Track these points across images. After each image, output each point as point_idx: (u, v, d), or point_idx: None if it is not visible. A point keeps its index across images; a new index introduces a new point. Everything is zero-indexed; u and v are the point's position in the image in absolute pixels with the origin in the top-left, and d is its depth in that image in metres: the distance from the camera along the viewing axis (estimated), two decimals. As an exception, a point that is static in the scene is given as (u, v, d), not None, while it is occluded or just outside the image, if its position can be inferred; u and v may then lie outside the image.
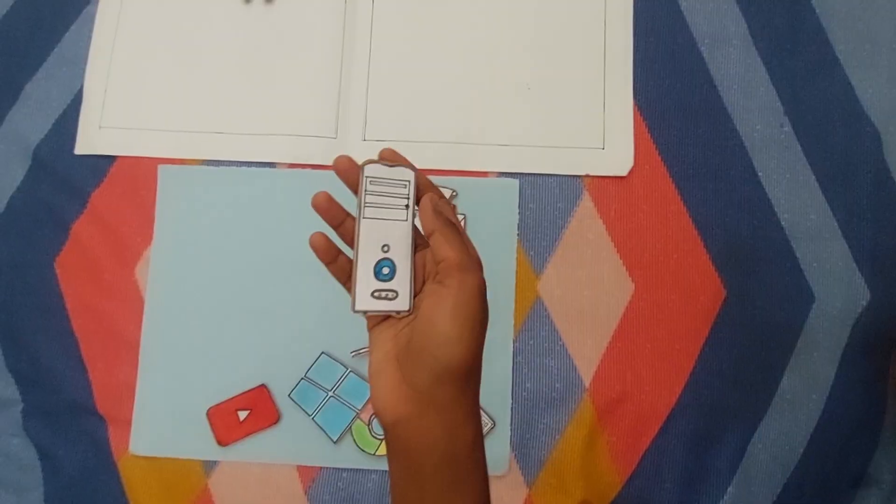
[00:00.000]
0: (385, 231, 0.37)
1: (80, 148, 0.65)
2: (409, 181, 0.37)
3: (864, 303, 0.62)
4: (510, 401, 0.60)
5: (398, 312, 0.36)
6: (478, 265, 0.35)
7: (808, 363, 0.61)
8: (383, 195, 0.37)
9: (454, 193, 0.62)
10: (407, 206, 0.37)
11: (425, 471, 0.33)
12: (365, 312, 0.37)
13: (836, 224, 0.62)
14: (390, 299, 0.36)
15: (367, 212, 0.37)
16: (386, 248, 0.37)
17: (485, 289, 0.34)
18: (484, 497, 0.35)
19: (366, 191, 0.37)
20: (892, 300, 0.62)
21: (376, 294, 0.37)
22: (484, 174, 0.63)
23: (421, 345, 0.32)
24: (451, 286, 0.32)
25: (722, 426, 0.60)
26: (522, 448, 0.60)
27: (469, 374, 0.33)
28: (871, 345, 0.62)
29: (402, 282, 0.37)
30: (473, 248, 0.36)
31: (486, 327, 0.35)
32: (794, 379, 0.61)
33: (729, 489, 0.60)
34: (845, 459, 0.61)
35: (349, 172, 0.37)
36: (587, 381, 0.60)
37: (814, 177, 0.63)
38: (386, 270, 0.37)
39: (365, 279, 0.37)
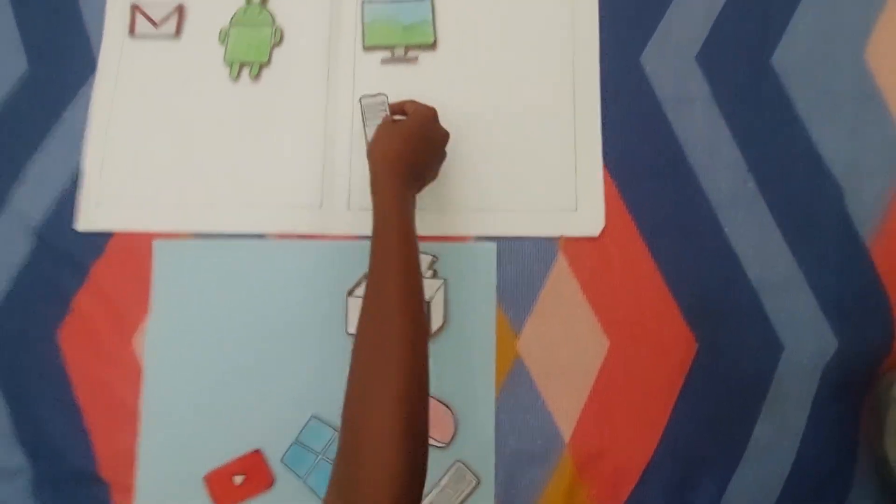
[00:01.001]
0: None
1: (81, 224, 0.68)
2: (385, 100, 0.62)
3: (832, 350, 0.64)
4: (494, 458, 0.63)
5: None
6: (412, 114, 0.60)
7: (780, 411, 0.64)
8: (373, 111, 0.62)
9: (434, 259, 0.65)
10: (385, 112, 0.62)
11: (373, 229, 0.52)
12: None
13: (801, 275, 0.65)
14: None
15: (368, 121, 0.62)
16: None
17: (416, 122, 0.59)
18: (405, 243, 0.51)
19: (364, 111, 0.62)
20: (859, 347, 0.64)
21: None
22: (463, 238, 0.66)
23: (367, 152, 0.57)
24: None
25: (699, 475, 0.63)
26: (507, 503, 0.62)
27: (385, 157, 0.55)
28: (841, 391, 0.64)
29: None
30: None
31: (417, 142, 0.57)
32: (767, 427, 0.63)
33: (708, 537, 0.62)
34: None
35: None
36: (566, 437, 0.63)
37: (779, 230, 0.65)
38: None
39: None
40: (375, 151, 0.55)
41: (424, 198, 0.66)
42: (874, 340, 0.65)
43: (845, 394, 0.64)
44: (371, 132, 0.59)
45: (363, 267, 0.51)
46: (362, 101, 0.62)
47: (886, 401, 0.62)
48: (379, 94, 0.62)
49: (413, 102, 0.61)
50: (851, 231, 0.65)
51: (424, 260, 0.59)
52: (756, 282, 0.65)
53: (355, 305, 0.58)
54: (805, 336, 0.64)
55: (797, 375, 0.64)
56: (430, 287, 0.64)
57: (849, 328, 0.64)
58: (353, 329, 0.55)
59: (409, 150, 0.56)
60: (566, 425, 0.63)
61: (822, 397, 0.64)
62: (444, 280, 0.65)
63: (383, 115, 0.61)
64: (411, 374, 0.44)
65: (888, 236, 0.65)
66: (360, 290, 0.60)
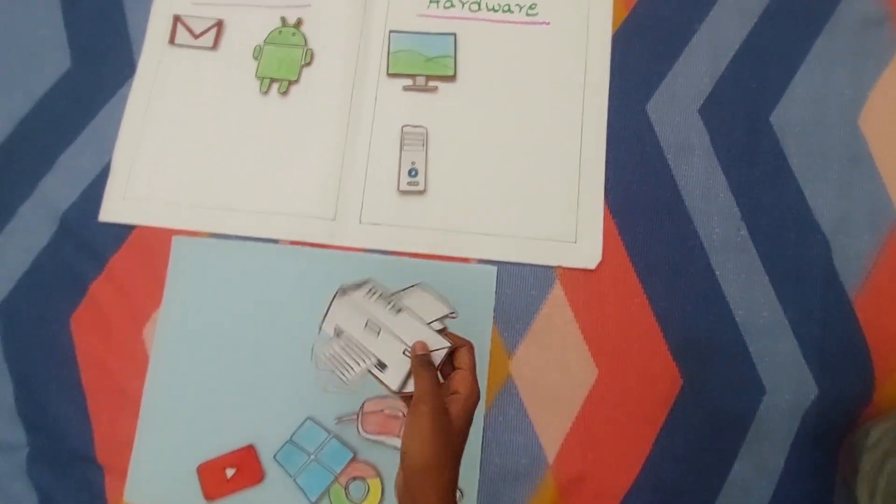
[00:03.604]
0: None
1: (104, 216, 0.72)
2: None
3: (813, 397, 0.66)
4: (478, 473, 0.65)
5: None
6: (432, 396, 0.45)
7: (759, 451, 0.66)
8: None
9: (453, 315, 0.54)
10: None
11: None
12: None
13: (787, 322, 0.68)
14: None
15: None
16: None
17: (440, 412, 0.45)
18: None
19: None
20: (839, 395, 0.67)
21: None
22: (465, 260, 0.69)
23: (401, 453, 0.45)
24: (411, 412, 0.45)
25: (675, 508, 0.65)
26: (487, 519, 0.64)
27: (426, 472, 0.43)
28: (820, 436, 0.66)
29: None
30: (435, 383, 0.46)
31: (447, 437, 0.44)
32: (746, 465, 0.65)
33: (681, 570, 0.63)
34: (793, 546, 0.65)
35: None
36: (550, 459, 0.65)
37: (767, 277, 0.69)
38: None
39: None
40: (415, 456, 0.43)
41: (433, 217, 0.70)
42: (854, 390, 0.67)
43: (824, 439, 0.66)
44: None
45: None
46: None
47: (862, 448, 0.64)
48: (441, 340, 0.49)
49: (468, 377, 0.47)
50: (837, 284, 0.69)
51: (443, 310, 0.52)
52: (742, 325, 0.68)
53: (340, 304, 0.52)
54: (787, 381, 0.67)
55: (777, 418, 0.66)
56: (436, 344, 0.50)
57: (830, 377, 0.67)
58: (326, 328, 0.52)
59: (457, 455, 0.45)
60: (551, 447, 0.65)
61: (801, 441, 0.66)
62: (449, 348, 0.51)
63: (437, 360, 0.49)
64: None
65: (872, 292, 0.68)
66: (351, 294, 0.52)
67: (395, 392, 0.48)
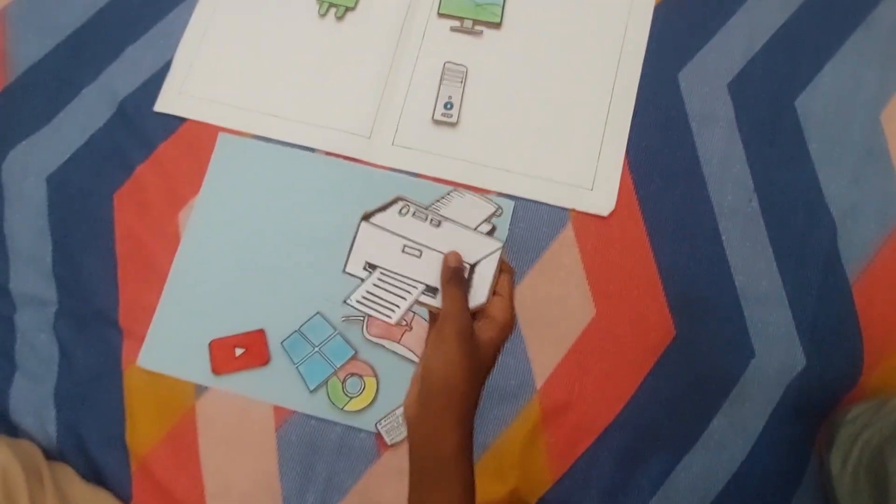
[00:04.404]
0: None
1: (160, 106, 0.77)
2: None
3: (800, 368, 0.69)
4: (469, 387, 0.68)
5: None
6: (460, 315, 0.41)
7: (740, 411, 0.68)
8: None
9: (499, 212, 0.50)
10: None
11: (420, 462, 0.42)
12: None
13: (784, 294, 0.70)
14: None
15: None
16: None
17: (466, 333, 0.41)
18: (466, 496, 0.41)
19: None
20: (826, 372, 0.69)
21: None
22: (487, 191, 0.73)
23: (422, 370, 0.42)
24: (437, 329, 0.42)
25: (651, 449, 0.67)
26: (471, 432, 0.67)
27: (450, 395, 0.40)
28: (802, 409, 0.68)
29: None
30: (463, 300, 0.42)
31: (474, 362, 0.41)
32: (724, 423, 0.68)
33: (647, 507, 0.66)
34: (761, 507, 0.67)
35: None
36: (539, 384, 0.68)
37: (771, 249, 0.71)
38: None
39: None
40: (438, 374, 0.40)
41: (461, 148, 0.74)
42: (841, 371, 0.69)
43: (804, 413, 0.68)
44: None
45: (393, 196, 0.49)
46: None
47: (840, 423, 0.66)
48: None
49: (508, 305, 0.44)
50: (838, 267, 0.71)
51: (488, 209, 0.48)
52: (741, 290, 0.70)
53: (367, 233, 0.45)
54: (776, 349, 0.69)
55: (762, 383, 0.68)
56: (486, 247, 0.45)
57: (819, 353, 0.69)
58: (351, 268, 0.45)
59: (480, 383, 0.43)
60: (541, 374, 0.68)
61: (782, 411, 0.68)
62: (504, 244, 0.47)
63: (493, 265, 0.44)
64: None
65: (872, 280, 0.71)
66: (379, 218, 0.45)
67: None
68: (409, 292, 0.43)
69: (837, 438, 0.64)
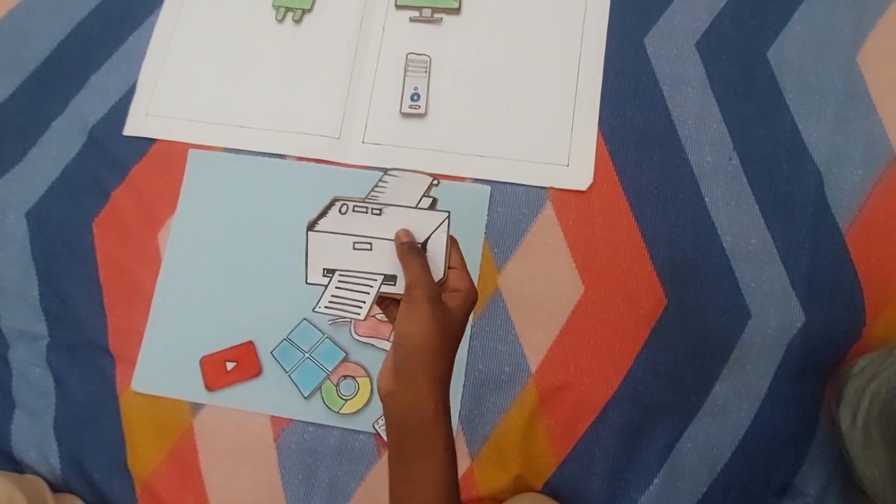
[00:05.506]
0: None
1: (129, 130, 0.77)
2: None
3: (800, 324, 0.67)
4: (463, 378, 0.67)
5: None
6: (426, 281, 0.42)
7: (742, 374, 0.67)
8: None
9: (435, 182, 0.50)
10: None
11: (400, 434, 0.43)
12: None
13: (775, 250, 0.69)
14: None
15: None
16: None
17: (435, 298, 0.42)
18: (449, 458, 0.42)
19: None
20: (827, 326, 0.67)
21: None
22: (461, 179, 0.72)
23: (395, 340, 0.42)
24: (406, 298, 0.42)
25: (653, 422, 0.66)
26: (469, 423, 0.66)
27: (426, 357, 0.41)
28: (806, 366, 0.67)
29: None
30: (425, 267, 0.43)
31: (446, 326, 0.42)
32: (727, 387, 0.66)
33: (655, 481, 0.65)
34: (771, 469, 0.66)
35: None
36: (533, 368, 0.67)
37: (757, 206, 0.70)
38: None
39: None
40: (413, 339, 0.41)
41: (432, 138, 0.73)
42: (843, 324, 0.67)
43: (810, 370, 0.67)
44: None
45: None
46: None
47: (847, 376, 0.64)
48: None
49: (464, 274, 0.45)
50: (828, 217, 0.69)
51: (423, 182, 0.48)
52: (730, 251, 0.69)
53: (316, 241, 0.45)
54: (773, 307, 0.67)
55: (762, 343, 0.67)
56: (432, 222, 0.46)
57: (817, 306, 0.67)
58: (311, 278, 0.46)
59: (453, 350, 0.43)
60: (534, 357, 0.67)
61: (786, 369, 0.67)
62: (448, 212, 0.48)
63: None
64: None
65: (865, 227, 0.69)
66: (322, 224, 0.46)
67: None
68: (370, 286, 0.44)
69: (845, 393, 0.63)
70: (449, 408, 0.43)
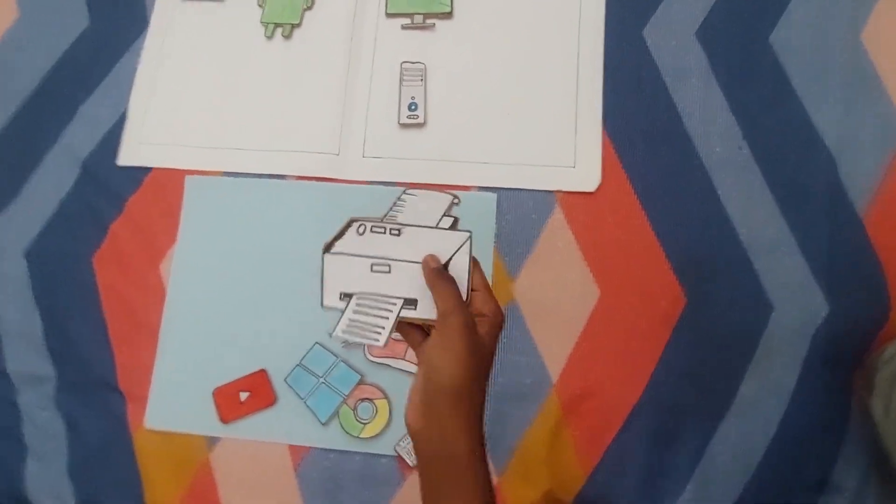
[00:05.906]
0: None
1: (122, 160, 0.75)
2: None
3: (824, 314, 0.65)
4: (483, 393, 0.65)
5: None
6: (461, 309, 0.40)
7: (768, 370, 0.65)
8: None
9: (456, 200, 0.50)
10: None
11: (432, 473, 0.40)
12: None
13: (793, 239, 0.67)
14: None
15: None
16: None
17: (471, 327, 0.39)
18: (488, 496, 0.39)
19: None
20: (851, 314, 0.66)
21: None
22: (466, 188, 0.70)
23: (424, 373, 0.40)
24: (439, 327, 0.40)
25: (682, 426, 0.64)
26: (493, 438, 0.65)
27: (459, 394, 0.39)
28: (833, 356, 0.65)
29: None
30: (458, 294, 0.41)
31: (479, 357, 0.39)
32: (754, 384, 0.65)
33: (688, 487, 0.63)
34: (806, 465, 0.64)
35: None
36: (554, 378, 0.65)
37: (771, 195, 0.68)
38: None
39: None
40: (445, 372, 0.39)
41: (433, 148, 0.72)
42: (867, 309, 0.66)
43: (837, 359, 0.65)
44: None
45: (374, 209, 0.48)
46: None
47: (877, 365, 0.63)
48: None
49: (489, 297, 0.43)
50: (845, 200, 0.67)
51: (444, 201, 0.47)
52: (746, 243, 0.67)
53: (332, 263, 0.43)
54: (795, 298, 0.66)
55: (787, 336, 0.65)
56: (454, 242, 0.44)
57: (840, 294, 0.66)
58: (328, 301, 0.44)
59: (485, 380, 0.41)
60: (555, 367, 0.66)
61: (813, 361, 0.65)
62: (454, 218, 0.48)
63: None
64: None
65: (883, 209, 0.67)
66: (339, 245, 0.44)
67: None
68: (389, 310, 0.42)
69: (876, 383, 0.61)
70: (484, 445, 0.40)
